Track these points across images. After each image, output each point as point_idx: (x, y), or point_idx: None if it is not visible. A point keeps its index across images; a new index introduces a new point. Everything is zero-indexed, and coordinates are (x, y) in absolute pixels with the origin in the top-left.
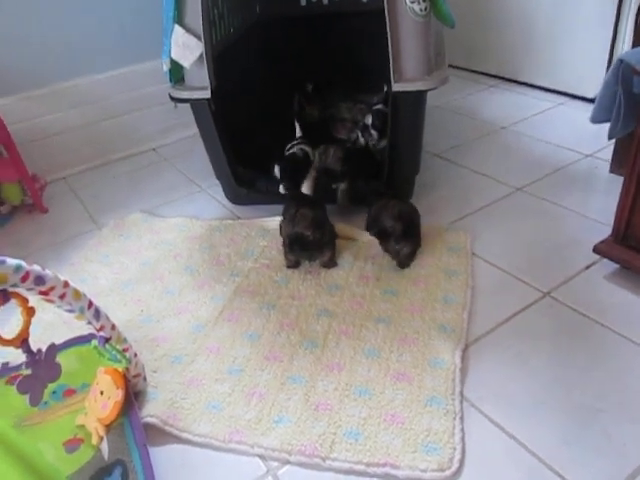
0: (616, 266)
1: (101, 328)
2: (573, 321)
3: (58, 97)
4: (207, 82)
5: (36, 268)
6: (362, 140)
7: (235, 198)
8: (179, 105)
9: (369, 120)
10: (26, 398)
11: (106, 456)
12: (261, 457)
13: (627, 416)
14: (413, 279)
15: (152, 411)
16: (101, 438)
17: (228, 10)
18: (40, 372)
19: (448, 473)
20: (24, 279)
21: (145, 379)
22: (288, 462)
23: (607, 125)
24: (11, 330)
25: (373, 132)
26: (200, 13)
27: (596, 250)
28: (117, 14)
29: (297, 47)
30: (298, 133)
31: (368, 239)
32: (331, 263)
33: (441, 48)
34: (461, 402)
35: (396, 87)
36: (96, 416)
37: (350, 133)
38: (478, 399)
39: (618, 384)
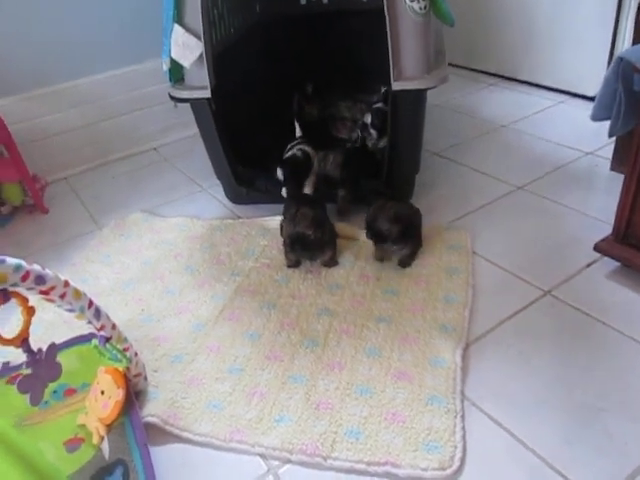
0: (617, 264)
1: (101, 327)
2: (574, 320)
3: (59, 97)
4: (207, 81)
5: (36, 267)
6: (360, 137)
7: (235, 197)
8: (179, 105)
9: (368, 119)
10: (26, 398)
11: (107, 456)
12: (262, 456)
13: (629, 415)
14: (414, 278)
15: (153, 410)
16: (102, 438)
17: (228, 10)
18: (40, 371)
19: (449, 472)
20: (24, 278)
21: (146, 378)
22: (289, 461)
23: (607, 123)
24: (11, 330)
25: (372, 131)
26: (200, 13)
27: (597, 248)
28: (117, 14)
29: (297, 47)
30: (298, 133)
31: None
32: (332, 262)
33: (441, 47)
34: (462, 401)
35: (396, 86)
36: (97, 416)
37: (350, 132)
38: (479, 398)
39: (619, 383)
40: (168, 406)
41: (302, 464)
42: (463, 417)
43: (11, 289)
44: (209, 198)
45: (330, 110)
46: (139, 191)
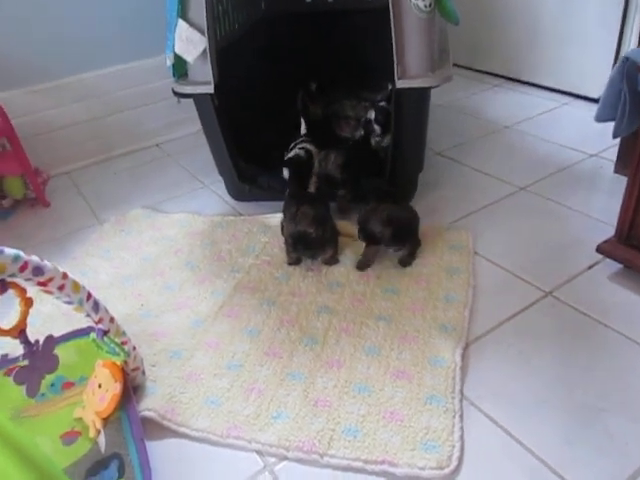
0: (619, 266)
1: (100, 320)
2: (575, 321)
3: (62, 91)
4: (210, 77)
5: (34, 258)
6: (364, 135)
7: (237, 194)
8: (183, 101)
9: (372, 115)
10: (23, 389)
11: (103, 449)
12: (258, 452)
13: (629, 416)
14: (414, 277)
15: (150, 405)
16: (98, 431)
17: (233, 6)
18: (37, 363)
19: (447, 471)
20: (22, 269)
21: (144, 373)
22: (286, 458)
23: (612, 124)
24: (10, 323)
25: (376, 127)
26: (204, 7)
27: (599, 250)
28: (122, 9)
29: (301, 44)
30: (303, 130)
31: None
32: (333, 260)
33: (445, 45)
34: (461, 400)
35: (400, 84)
36: (94, 409)
37: (354, 131)
38: (478, 398)
39: (620, 383)
40: (166, 401)
41: (299, 461)
42: (462, 417)
43: (9, 280)
44: (211, 195)
45: (334, 108)
46: (141, 187)
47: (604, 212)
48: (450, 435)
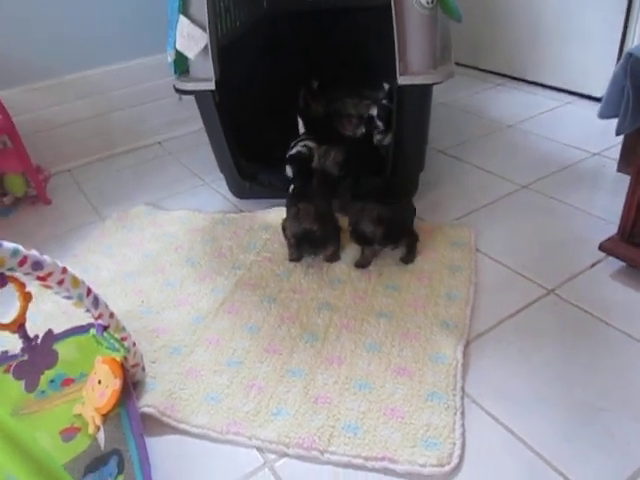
0: (622, 264)
1: (99, 316)
2: (577, 319)
3: (64, 89)
4: (212, 73)
5: (34, 253)
6: (365, 133)
7: (238, 191)
8: (185, 99)
9: (374, 111)
10: (22, 384)
11: (102, 445)
12: (258, 449)
13: (631, 414)
14: (416, 274)
15: (150, 401)
16: (98, 428)
17: (234, 3)
18: (36, 358)
19: (447, 468)
20: (21, 263)
21: (144, 369)
22: (286, 455)
23: (615, 123)
24: (10, 320)
25: (379, 123)
26: (205, 4)
27: (602, 248)
28: (123, 6)
29: (303, 42)
30: (301, 129)
31: None
32: (334, 257)
33: (447, 42)
34: (462, 398)
35: (401, 80)
36: (93, 405)
37: (355, 129)
38: (479, 395)
39: (622, 382)
40: (165, 397)
41: (299, 458)
42: (463, 414)
43: (8, 274)
44: (212, 192)
45: (336, 106)
46: (142, 184)
47: (606, 210)
48: (451, 432)
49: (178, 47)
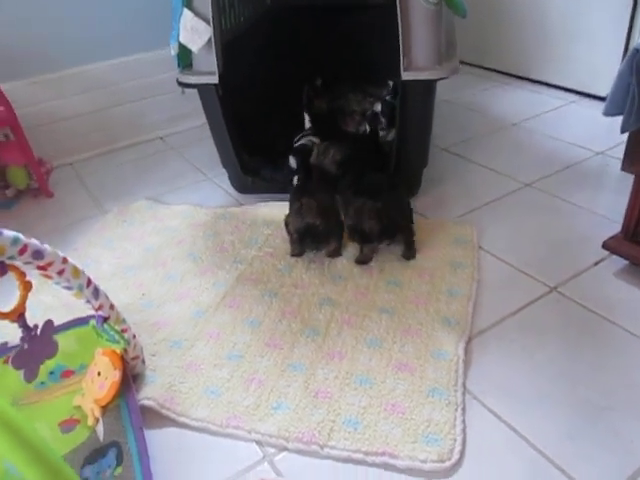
0: (625, 262)
1: (99, 307)
2: (580, 316)
3: (67, 82)
4: (215, 67)
5: (34, 242)
6: (368, 129)
7: (241, 187)
8: (188, 94)
9: (378, 107)
10: (21, 374)
11: (101, 437)
12: (258, 443)
13: (635, 413)
14: (418, 271)
15: (150, 394)
16: (97, 419)
17: None
18: (36, 348)
19: (448, 464)
20: (22, 252)
21: (144, 362)
22: (285, 449)
23: (620, 122)
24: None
25: (382, 119)
26: None
27: (605, 246)
28: (126, 2)
29: (307, 39)
30: (307, 124)
31: None
32: (336, 253)
33: (452, 38)
34: (463, 394)
35: (406, 76)
36: (93, 397)
37: (358, 126)
38: (481, 392)
39: (625, 380)
40: (165, 390)
41: (298, 452)
42: (464, 410)
43: (8, 262)
44: (214, 187)
45: (339, 103)
46: (144, 179)
47: (610, 209)
48: (452, 428)
49: (182, 40)
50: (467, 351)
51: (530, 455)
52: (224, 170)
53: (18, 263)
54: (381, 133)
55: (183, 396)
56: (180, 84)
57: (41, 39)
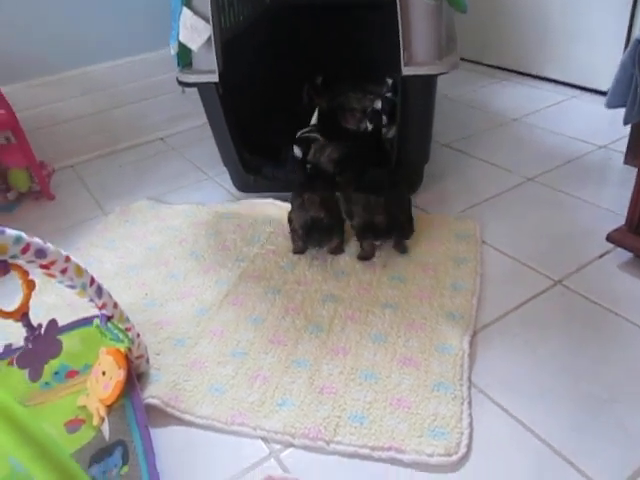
0: (630, 255)
1: (103, 306)
2: (585, 309)
3: (66, 85)
4: (215, 65)
5: (37, 240)
6: (370, 127)
7: (242, 186)
8: (188, 95)
9: (378, 105)
10: (25, 373)
11: (107, 436)
12: (264, 439)
13: None
14: (421, 266)
15: (154, 392)
16: (102, 419)
17: None
18: (40, 347)
19: (455, 458)
20: (24, 251)
21: (148, 361)
22: (291, 445)
23: (622, 113)
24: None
25: (383, 116)
26: None
27: (610, 239)
28: (125, 2)
29: (306, 38)
30: (314, 120)
31: None
32: (339, 250)
33: (452, 34)
34: (469, 388)
35: (406, 71)
36: (98, 397)
37: (359, 123)
38: (486, 385)
39: (632, 373)
40: (170, 388)
41: (305, 448)
42: (470, 404)
43: (11, 261)
44: (215, 186)
45: (339, 100)
46: (145, 179)
47: (614, 202)
48: (458, 422)
49: (181, 39)
50: (472, 345)
51: (537, 447)
52: (225, 169)
53: (21, 262)
54: (382, 130)
55: (188, 394)
56: (180, 83)
57: (40, 42)
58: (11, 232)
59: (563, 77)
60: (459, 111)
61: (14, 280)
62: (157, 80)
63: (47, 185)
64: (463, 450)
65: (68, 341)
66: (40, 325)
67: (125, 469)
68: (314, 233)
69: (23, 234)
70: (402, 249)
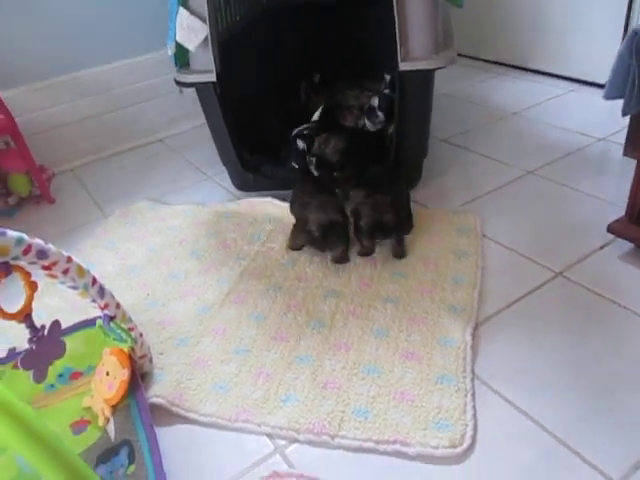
0: (630, 246)
1: (105, 306)
2: (586, 300)
3: (64, 88)
4: (212, 65)
5: (38, 241)
6: (368, 124)
7: (242, 185)
8: (186, 96)
9: (375, 102)
10: (30, 375)
11: (113, 437)
12: (269, 436)
13: None
14: (422, 260)
15: (158, 392)
16: (107, 419)
17: None
18: (44, 348)
19: (460, 450)
20: (26, 252)
21: (151, 360)
22: (296, 440)
23: (621, 105)
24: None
25: (379, 113)
26: None
27: (610, 230)
28: (122, 4)
29: (304, 36)
30: (316, 117)
31: None
32: (344, 258)
33: (449, 29)
34: (472, 380)
35: (403, 66)
36: (102, 397)
37: (357, 120)
38: (490, 377)
39: (633, 362)
40: (174, 387)
41: (309, 443)
42: (474, 396)
43: (13, 263)
44: (215, 186)
45: (337, 98)
46: (145, 181)
47: (614, 194)
48: (462, 414)
49: (178, 39)
50: (474, 337)
51: (541, 438)
52: (224, 169)
53: (23, 263)
54: (379, 126)
55: (192, 392)
56: (178, 83)
57: (38, 46)
58: (12, 233)
59: (561, 71)
60: (457, 106)
61: (16, 283)
62: (155, 82)
63: (47, 189)
64: (468, 442)
65: (71, 343)
66: (43, 326)
67: (131, 468)
68: (331, 236)
69: (24, 235)
70: (401, 253)
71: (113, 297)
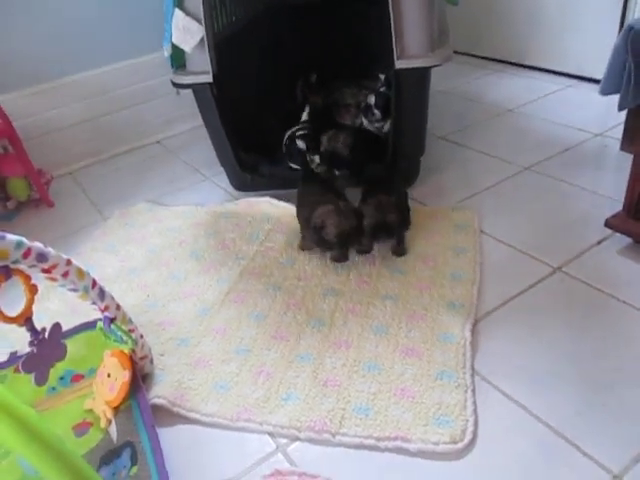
0: (629, 240)
1: (106, 308)
2: (585, 295)
3: (61, 92)
4: (208, 66)
5: (38, 245)
6: (365, 122)
7: (239, 185)
8: (183, 97)
9: (372, 100)
10: (31, 378)
11: (115, 438)
12: (270, 434)
13: None
14: (420, 257)
15: (160, 392)
16: (109, 421)
17: None
18: (45, 351)
19: (461, 445)
20: (26, 255)
21: (152, 362)
22: (298, 438)
23: (617, 101)
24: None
25: (376, 111)
26: None
27: (608, 224)
28: (118, 7)
29: (301, 36)
30: (304, 117)
31: None
32: (344, 257)
33: (445, 27)
34: (472, 375)
35: (399, 64)
36: (104, 399)
37: (354, 118)
38: (489, 373)
39: (632, 356)
40: (175, 388)
41: (311, 441)
42: (474, 391)
43: (13, 266)
44: (213, 187)
45: (334, 96)
46: (143, 183)
47: (611, 189)
48: (463, 410)
49: (174, 41)
50: (474, 333)
51: (541, 432)
52: (222, 169)
53: (23, 267)
54: (377, 124)
55: (193, 392)
56: (175, 85)
57: (35, 50)
58: (12, 237)
59: (558, 67)
60: (454, 104)
61: (17, 286)
62: (152, 83)
63: (46, 193)
64: (469, 437)
65: (72, 345)
66: (44, 329)
67: (134, 470)
68: (346, 241)
69: (24, 239)
70: (401, 252)
71: (113, 299)
